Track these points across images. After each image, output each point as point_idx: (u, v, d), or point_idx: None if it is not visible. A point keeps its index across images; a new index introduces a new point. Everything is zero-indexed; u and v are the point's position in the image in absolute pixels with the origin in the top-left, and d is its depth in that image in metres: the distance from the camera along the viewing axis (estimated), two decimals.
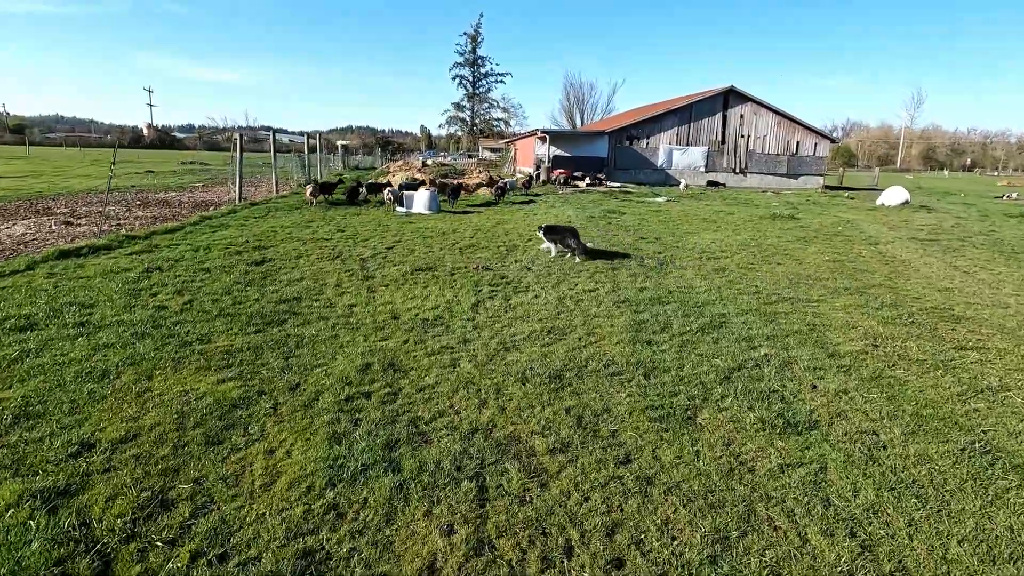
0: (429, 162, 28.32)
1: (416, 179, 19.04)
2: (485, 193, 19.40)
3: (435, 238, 10.56)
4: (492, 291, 6.81)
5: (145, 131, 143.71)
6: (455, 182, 19.83)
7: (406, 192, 14.29)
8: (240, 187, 14.79)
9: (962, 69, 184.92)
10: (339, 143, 30.25)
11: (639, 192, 23.81)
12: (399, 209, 14.41)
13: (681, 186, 27.85)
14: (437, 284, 7.07)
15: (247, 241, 9.49)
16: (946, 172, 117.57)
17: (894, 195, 21.05)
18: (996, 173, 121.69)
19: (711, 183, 30.24)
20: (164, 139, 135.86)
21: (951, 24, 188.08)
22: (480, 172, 23.14)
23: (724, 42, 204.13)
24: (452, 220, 13.22)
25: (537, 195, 21.00)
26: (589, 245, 9.46)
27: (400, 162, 27.62)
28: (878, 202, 21.60)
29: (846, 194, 27.52)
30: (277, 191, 17.78)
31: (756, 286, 7.49)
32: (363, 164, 33.41)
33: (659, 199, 21.18)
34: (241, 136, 14.82)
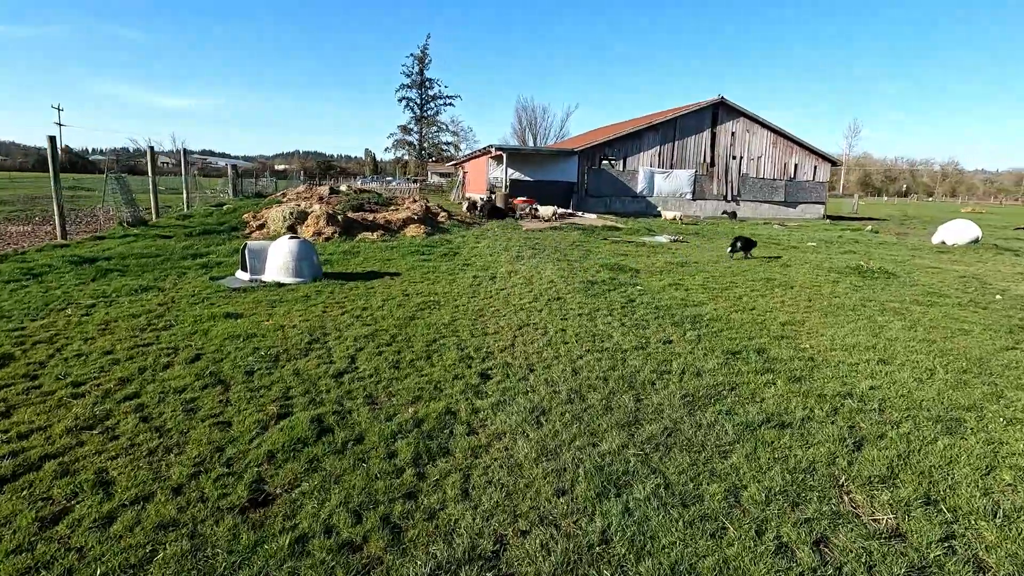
0: (343, 187, 21.52)
1: (310, 212, 12.36)
2: (415, 232, 12.89)
3: (232, 393, 3.96)
4: None
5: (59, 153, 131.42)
6: (371, 218, 13.31)
7: (250, 244, 7.62)
8: None
9: (887, 102, 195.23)
10: (229, 164, 23.33)
11: (628, 228, 17.95)
12: (239, 276, 7.75)
13: (702, 217, 23.34)
14: None
15: None
16: (884, 198, 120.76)
17: (961, 232, 16.02)
18: (931, 199, 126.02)
19: (726, 213, 25.41)
20: (76, 161, 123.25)
21: (881, 60, 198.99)
22: (413, 201, 16.66)
23: (676, 72, 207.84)
24: (332, 300, 6.66)
25: (552, 230, 14.70)
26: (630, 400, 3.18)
27: (302, 188, 20.77)
28: (937, 240, 16.56)
29: (868, 227, 22.70)
30: (62, 233, 10.69)
31: None
32: (268, 189, 26.35)
33: (659, 239, 15.35)
34: None
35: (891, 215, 39.11)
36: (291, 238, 7.72)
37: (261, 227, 12.32)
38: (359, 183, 53.04)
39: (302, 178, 46.01)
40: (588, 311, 6.62)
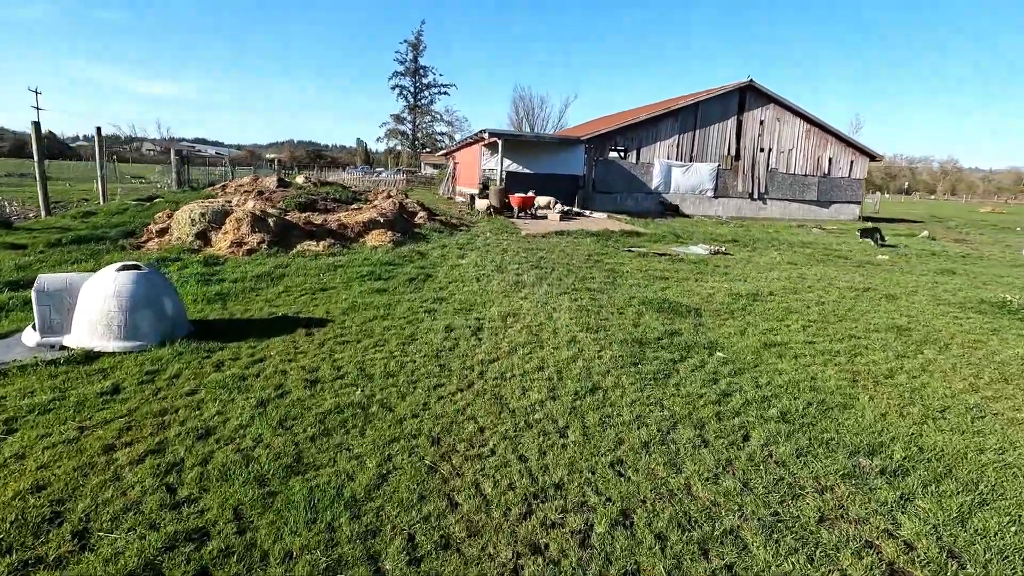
0: (300, 179, 18.00)
1: (233, 211, 9.01)
2: (378, 240, 9.55)
3: None
4: None
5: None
6: (320, 221, 10.00)
7: (44, 280, 4.31)
8: None
9: (886, 98, 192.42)
10: (173, 150, 19.85)
11: (650, 233, 14.66)
12: (25, 337, 4.42)
13: (724, 217, 20.26)
14: None
15: None
16: (887, 195, 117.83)
17: None
18: (932, 197, 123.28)
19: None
20: (54, 148, 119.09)
21: (882, 56, 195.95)
22: (386, 198, 13.30)
23: (671, 65, 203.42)
24: (152, 408, 3.37)
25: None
26: None
27: (247, 179, 17.25)
28: None
29: (922, 233, 19.53)
30: None
31: None
32: (231, 179, 22.84)
33: (695, 249, 12.11)
34: None
35: (919, 215, 36.04)
36: (121, 269, 4.39)
37: (163, 233, 8.97)
38: (347, 174, 49.25)
39: (275, 167, 42.29)
40: (656, 431, 3.37)
